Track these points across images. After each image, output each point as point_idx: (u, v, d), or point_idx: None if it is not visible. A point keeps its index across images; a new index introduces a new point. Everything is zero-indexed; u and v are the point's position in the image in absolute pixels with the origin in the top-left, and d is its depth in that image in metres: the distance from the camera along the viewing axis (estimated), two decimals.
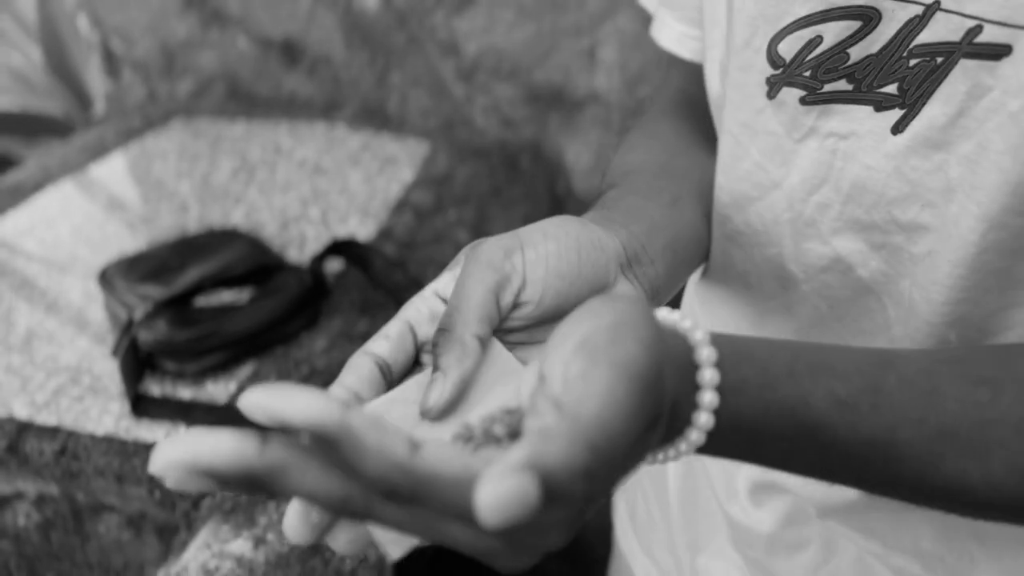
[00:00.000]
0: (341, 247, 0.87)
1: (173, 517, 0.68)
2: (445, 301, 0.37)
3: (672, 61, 0.58)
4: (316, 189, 1.06)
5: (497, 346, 0.36)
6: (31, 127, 1.96)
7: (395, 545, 0.31)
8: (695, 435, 0.32)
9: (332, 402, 0.25)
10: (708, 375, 0.32)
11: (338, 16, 1.19)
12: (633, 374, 0.28)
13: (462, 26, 1.15)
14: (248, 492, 0.26)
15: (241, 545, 0.61)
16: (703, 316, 0.64)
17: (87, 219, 1.02)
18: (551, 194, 1.23)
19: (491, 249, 0.36)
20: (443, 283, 0.37)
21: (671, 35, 0.56)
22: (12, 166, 1.67)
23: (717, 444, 0.33)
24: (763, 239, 0.48)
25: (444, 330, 0.34)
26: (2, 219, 1.03)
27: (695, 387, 0.32)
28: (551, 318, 0.37)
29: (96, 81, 1.80)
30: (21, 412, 0.73)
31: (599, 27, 1.09)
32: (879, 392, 0.34)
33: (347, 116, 1.25)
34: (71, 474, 0.69)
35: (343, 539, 0.31)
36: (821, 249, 0.46)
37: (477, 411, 0.34)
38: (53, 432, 0.70)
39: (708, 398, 0.32)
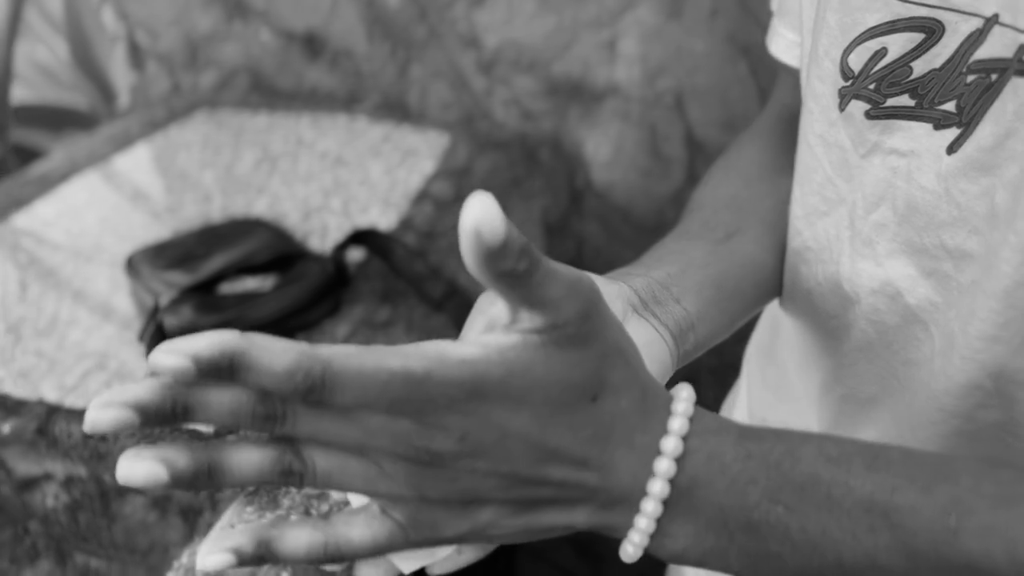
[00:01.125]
0: (362, 237, 0.88)
1: (197, 499, 0.69)
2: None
3: (780, 73, 0.57)
4: (338, 180, 1.07)
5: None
6: (56, 120, 1.99)
7: (407, 561, 0.35)
8: (649, 506, 0.32)
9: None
10: (681, 407, 0.33)
11: (360, 9, 1.21)
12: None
13: (482, 19, 1.16)
14: (168, 423, 0.30)
15: None
16: (770, 333, 0.63)
17: (113, 208, 1.04)
18: (570, 186, 1.24)
19: (485, 298, 0.38)
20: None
21: (780, 43, 0.55)
22: (37, 158, 1.69)
23: (684, 504, 0.33)
24: (825, 255, 0.48)
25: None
26: (30, 208, 1.05)
27: (662, 423, 0.33)
28: None
29: (120, 74, 1.82)
30: (50, 395, 0.74)
31: (619, 19, 1.10)
32: (877, 457, 0.33)
33: (368, 108, 1.26)
34: (99, 456, 0.70)
35: (366, 572, 0.36)
36: (874, 270, 0.45)
37: None
38: (81, 415, 0.72)
39: (678, 423, 0.33)
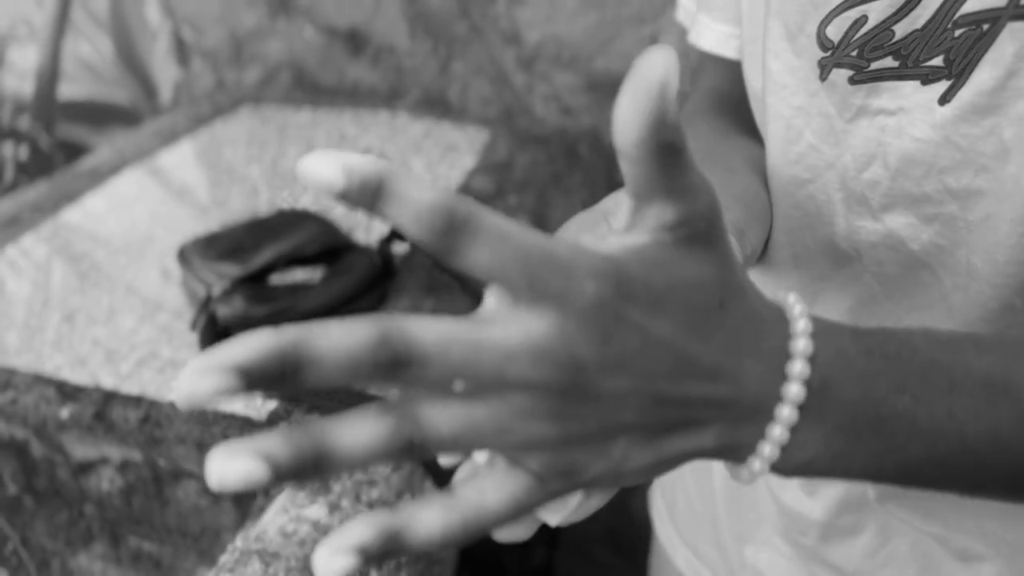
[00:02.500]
0: None
1: None
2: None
3: (706, 65, 0.60)
4: None
5: None
6: (99, 115, 2.03)
7: (550, 514, 0.33)
8: (785, 411, 0.31)
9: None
10: (799, 308, 0.32)
11: (403, 6, 1.22)
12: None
13: (524, 15, 1.17)
14: (278, 386, 0.24)
15: (317, 511, 0.63)
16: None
17: (161, 202, 1.06)
18: (609, 181, 1.24)
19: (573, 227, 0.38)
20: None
21: (712, 37, 0.58)
22: (81, 153, 1.73)
23: (816, 407, 0.31)
24: (815, 220, 0.49)
25: None
26: (80, 201, 1.07)
27: (785, 341, 0.31)
28: None
29: (162, 71, 1.85)
30: (107, 382, 0.76)
31: (661, 16, 1.10)
32: (982, 339, 0.34)
33: (409, 104, 1.28)
34: (154, 441, 0.72)
35: (508, 531, 0.32)
36: (872, 226, 0.47)
37: None
38: (137, 401, 0.74)
39: (802, 344, 0.31)
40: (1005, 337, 0.35)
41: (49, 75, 1.70)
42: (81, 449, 0.76)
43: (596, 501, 0.34)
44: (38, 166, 1.69)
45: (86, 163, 1.18)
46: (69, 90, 1.97)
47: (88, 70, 2.07)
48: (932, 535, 0.52)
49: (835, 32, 0.43)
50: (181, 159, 1.17)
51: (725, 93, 0.59)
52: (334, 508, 0.64)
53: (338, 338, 0.24)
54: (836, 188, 0.47)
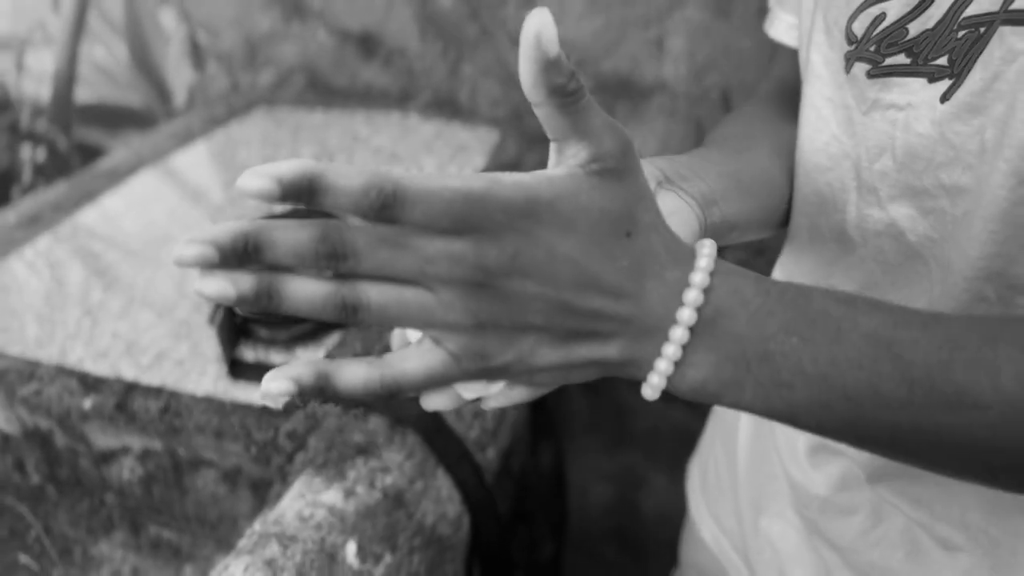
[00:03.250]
0: None
1: (267, 472, 0.73)
2: None
3: (777, 53, 0.63)
4: None
5: None
6: (114, 118, 2.06)
7: (466, 390, 0.38)
8: (677, 332, 0.35)
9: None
10: (707, 250, 0.36)
11: (414, 9, 1.24)
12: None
13: None
14: (244, 261, 0.32)
15: (333, 496, 0.65)
16: None
17: (178, 201, 1.09)
18: None
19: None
20: None
21: (781, 27, 0.61)
22: (96, 155, 1.76)
23: (708, 334, 0.36)
24: (830, 207, 0.52)
25: None
26: (99, 201, 1.10)
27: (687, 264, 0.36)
28: None
29: (176, 75, 1.88)
30: (128, 373, 0.78)
31: (667, 17, 1.12)
32: (879, 304, 0.37)
33: (420, 106, 1.30)
34: (174, 430, 0.74)
35: (433, 398, 0.38)
36: (879, 215, 0.49)
37: None
38: (157, 392, 0.76)
39: (704, 262, 0.36)
40: (909, 306, 0.38)
41: (66, 79, 1.73)
42: (103, 439, 0.78)
43: (517, 394, 0.39)
44: (55, 168, 1.72)
45: (104, 164, 1.20)
46: (85, 94, 2.00)
47: (103, 74, 2.11)
48: (918, 521, 0.54)
49: (859, 27, 0.46)
50: (196, 160, 1.20)
51: (788, 81, 0.62)
52: (349, 494, 0.66)
53: (290, 231, 0.32)
54: (851, 177, 0.50)
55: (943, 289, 0.47)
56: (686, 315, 0.35)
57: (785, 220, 0.57)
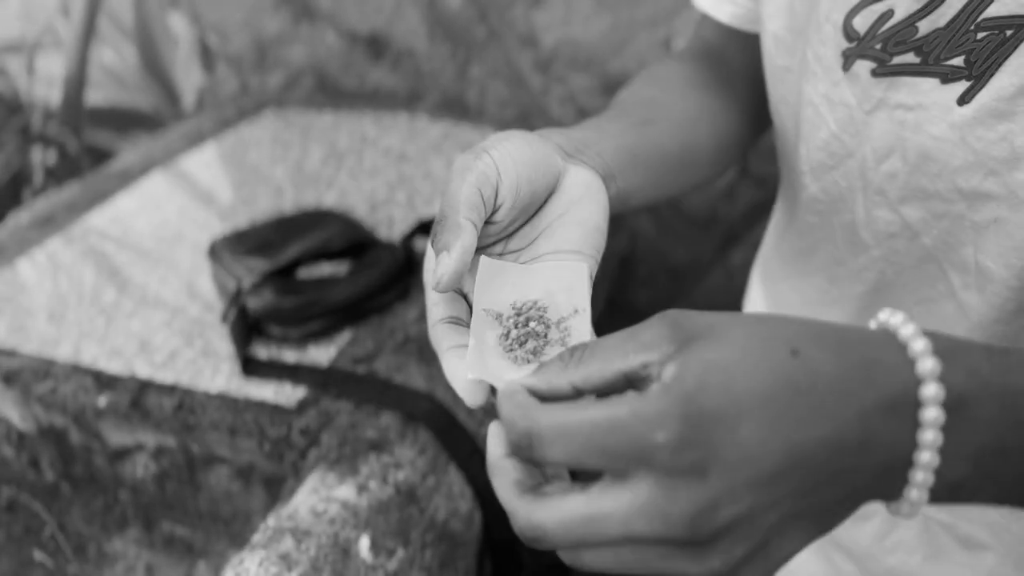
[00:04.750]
0: (428, 226, 0.92)
1: (281, 468, 0.74)
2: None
3: (703, 20, 0.62)
4: (402, 175, 1.11)
5: (493, 261, 0.40)
6: (124, 121, 2.07)
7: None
8: (928, 435, 0.30)
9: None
10: (910, 328, 0.31)
11: (422, 11, 1.25)
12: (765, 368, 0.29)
13: (540, 19, 1.19)
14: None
15: (346, 491, 0.66)
16: (763, 293, 0.67)
17: (190, 201, 1.09)
18: None
19: (463, 157, 0.40)
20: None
21: (708, 2, 0.60)
22: (106, 157, 1.77)
23: (952, 459, 0.30)
24: (839, 206, 0.51)
25: (440, 220, 0.38)
26: (112, 201, 1.11)
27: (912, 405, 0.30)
28: (526, 215, 0.42)
29: (185, 78, 1.89)
30: (142, 371, 0.79)
31: (674, 18, 1.13)
32: None
33: (428, 107, 1.31)
34: (188, 427, 0.75)
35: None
36: (890, 216, 0.48)
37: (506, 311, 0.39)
38: (171, 389, 0.77)
39: (932, 413, 0.30)
40: None
41: (76, 82, 1.74)
42: (117, 436, 0.79)
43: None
44: (66, 170, 1.73)
45: (116, 165, 1.21)
46: (95, 96, 2.01)
47: (113, 77, 2.12)
48: (938, 521, 0.53)
49: (862, 24, 0.45)
50: (207, 161, 1.21)
51: (712, 45, 0.61)
52: (362, 489, 0.66)
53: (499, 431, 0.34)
54: (856, 177, 0.49)
55: (982, 298, 0.45)
56: (932, 415, 0.30)
57: (683, 190, 0.56)
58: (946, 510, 0.53)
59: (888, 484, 0.31)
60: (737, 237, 1.26)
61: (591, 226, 0.42)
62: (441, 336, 0.39)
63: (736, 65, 0.60)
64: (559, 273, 0.40)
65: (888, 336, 0.31)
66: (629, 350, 0.31)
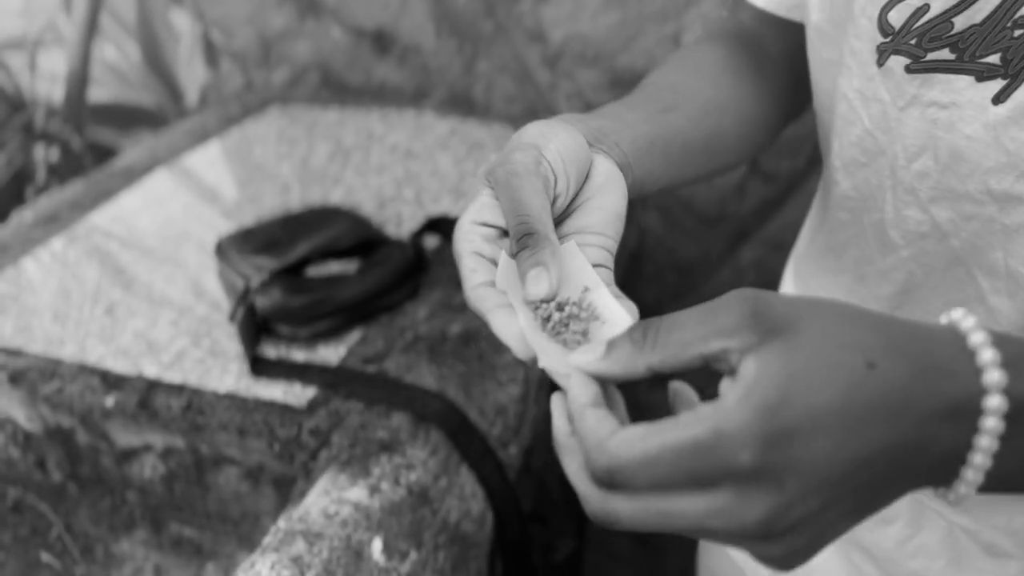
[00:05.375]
0: (437, 224, 0.91)
1: (291, 469, 0.73)
2: (486, 225, 0.41)
3: (742, 2, 0.60)
4: (409, 171, 1.10)
5: (511, 260, 0.41)
6: (126, 118, 2.07)
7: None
8: (986, 436, 0.31)
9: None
10: (995, 377, 0.31)
11: (429, 6, 1.24)
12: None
13: (548, 14, 1.18)
14: None
15: (358, 493, 0.65)
16: (795, 290, 0.66)
17: (195, 198, 1.08)
18: None
19: (527, 160, 0.40)
20: (476, 213, 0.42)
21: None
22: (109, 155, 1.76)
23: (1007, 457, 0.31)
24: (868, 204, 0.50)
25: (529, 234, 0.38)
26: (117, 199, 1.10)
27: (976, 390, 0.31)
28: (571, 204, 0.43)
29: (188, 74, 1.88)
30: (150, 371, 0.78)
31: (684, 13, 1.12)
32: None
33: (435, 103, 1.30)
34: (196, 427, 0.74)
35: None
36: (920, 216, 0.47)
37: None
38: (179, 389, 0.76)
39: (995, 402, 0.31)
40: None
41: (79, 79, 1.73)
42: (125, 437, 0.78)
43: None
44: (69, 168, 1.72)
45: (120, 163, 1.20)
46: (98, 94, 2.00)
47: (116, 74, 2.11)
48: (962, 527, 0.52)
49: (897, 18, 0.43)
50: (212, 158, 1.20)
51: (746, 28, 0.60)
52: (374, 490, 0.65)
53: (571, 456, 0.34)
54: (887, 175, 0.48)
55: (1013, 304, 0.45)
56: (996, 403, 0.31)
57: (704, 176, 0.56)
58: (970, 516, 0.52)
59: (939, 477, 0.32)
60: (746, 234, 1.25)
61: (613, 213, 0.43)
62: (483, 296, 0.39)
63: (773, 52, 0.59)
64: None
65: (958, 340, 0.32)
66: (709, 335, 0.32)
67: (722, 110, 0.54)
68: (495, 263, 0.41)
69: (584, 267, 0.41)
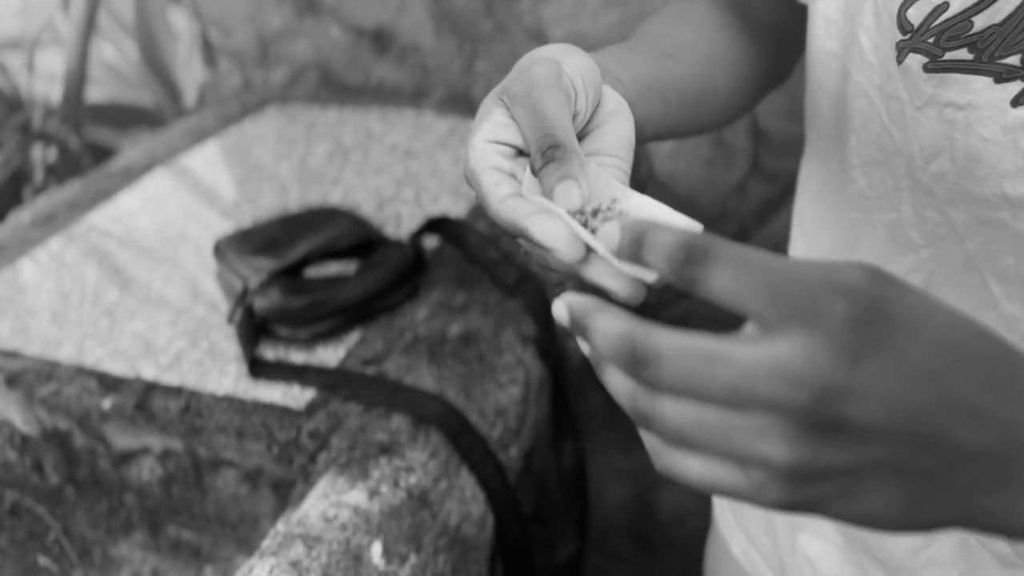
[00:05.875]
0: (437, 224, 0.91)
1: (289, 472, 0.72)
2: (501, 143, 0.40)
3: None
4: (408, 171, 1.09)
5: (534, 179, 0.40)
6: (125, 118, 2.06)
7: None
8: None
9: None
10: None
11: (428, 5, 1.23)
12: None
13: (548, 12, 1.18)
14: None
15: (357, 496, 0.65)
16: None
17: (194, 198, 1.08)
18: (634, 176, 1.25)
19: (549, 73, 0.39)
20: (489, 132, 0.40)
21: None
22: (107, 154, 1.75)
23: None
24: (884, 203, 0.49)
25: (555, 146, 0.37)
26: (115, 200, 1.09)
27: None
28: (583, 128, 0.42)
29: (186, 74, 1.88)
30: (147, 373, 0.78)
31: None
32: None
33: (434, 102, 1.29)
34: (194, 430, 0.74)
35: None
36: (938, 218, 0.46)
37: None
38: (177, 391, 0.75)
39: None
40: None
41: (77, 79, 1.73)
42: (122, 439, 0.78)
43: None
44: (67, 168, 1.72)
45: (118, 162, 1.20)
46: (96, 93, 1.99)
47: (114, 73, 2.10)
48: (976, 538, 0.51)
49: (916, 15, 0.42)
50: (211, 158, 1.19)
51: None
52: (373, 493, 0.65)
53: (605, 321, 0.30)
54: (903, 175, 0.47)
55: (1019, 310, 0.44)
56: None
57: (693, 130, 0.55)
58: None
59: (998, 508, 0.28)
60: (747, 233, 1.25)
61: (625, 139, 0.42)
62: (515, 205, 0.37)
63: (761, 14, 0.59)
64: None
65: None
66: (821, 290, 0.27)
67: (716, 64, 0.54)
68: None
69: (611, 182, 0.39)
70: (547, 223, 0.36)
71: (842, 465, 0.27)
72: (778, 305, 0.27)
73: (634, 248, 0.30)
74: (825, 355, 0.26)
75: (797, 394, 0.26)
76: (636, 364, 0.29)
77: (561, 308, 0.32)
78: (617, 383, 0.31)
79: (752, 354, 0.27)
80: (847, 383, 0.26)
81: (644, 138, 0.47)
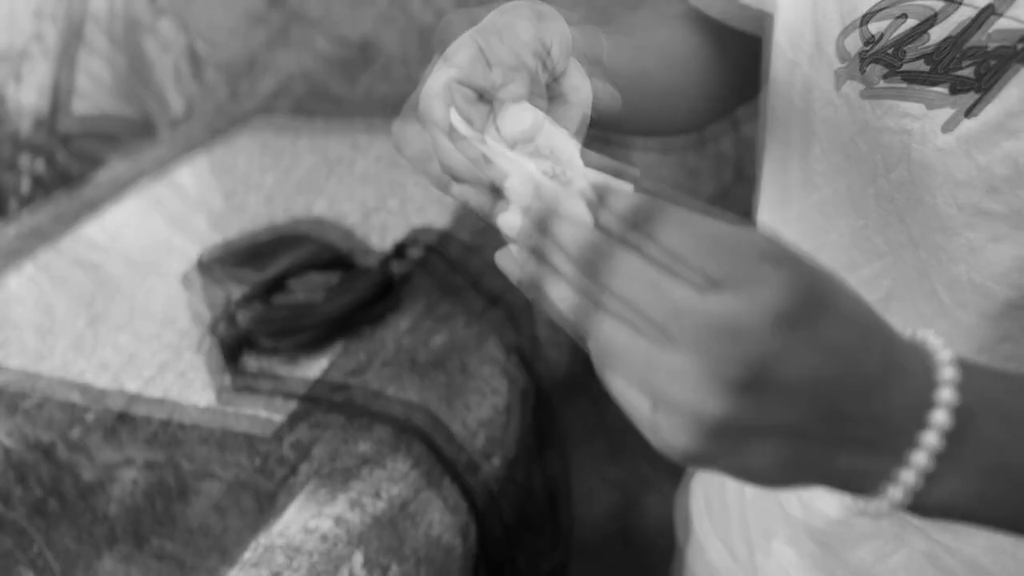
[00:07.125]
0: (420, 235, 0.91)
1: (271, 484, 0.72)
2: (464, 84, 0.40)
3: None
4: (393, 181, 1.10)
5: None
6: (110, 129, 2.06)
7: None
8: (929, 437, 0.29)
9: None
10: (948, 373, 0.30)
11: (413, 17, 1.24)
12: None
13: None
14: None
15: (338, 507, 0.65)
16: None
17: (179, 210, 1.08)
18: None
19: (527, 12, 0.41)
20: (456, 71, 0.41)
21: None
22: (95, 166, 1.75)
23: (948, 469, 0.30)
24: (848, 210, 0.50)
25: (518, 69, 0.39)
26: (102, 212, 1.09)
27: (926, 386, 0.30)
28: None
29: (174, 85, 1.88)
30: (131, 385, 0.78)
31: None
32: None
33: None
34: (177, 442, 0.74)
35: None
36: (898, 225, 0.47)
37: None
38: (160, 403, 0.76)
39: (946, 395, 0.30)
40: None
41: (64, 91, 1.73)
42: (105, 452, 0.78)
43: None
44: (53, 180, 1.72)
45: (105, 175, 1.20)
46: (82, 105, 1.99)
47: (101, 85, 2.10)
48: (943, 545, 0.52)
49: (877, 27, 0.43)
50: (197, 169, 1.19)
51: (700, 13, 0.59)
52: (355, 504, 0.65)
53: (565, 229, 0.31)
54: (868, 183, 0.48)
55: (982, 318, 0.44)
56: (940, 418, 0.29)
57: (655, 130, 0.56)
58: (952, 533, 0.52)
59: (873, 473, 0.30)
60: None
61: (580, 114, 0.42)
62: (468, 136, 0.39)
63: (736, 32, 0.58)
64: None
65: (923, 347, 0.32)
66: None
67: (687, 66, 0.55)
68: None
69: (565, 140, 0.40)
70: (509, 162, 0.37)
71: (746, 423, 0.28)
72: (724, 263, 0.28)
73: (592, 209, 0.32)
74: (765, 317, 0.27)
75: (732, 348, 0.27)
76: (589, 265, 0.30)
77: (512, 217, 0.35)
78: (562, 294, 0.31)
79: (694, 297, 0.27)
80: (776, 348, 0.27)
81: (603, 122, 0.47)
